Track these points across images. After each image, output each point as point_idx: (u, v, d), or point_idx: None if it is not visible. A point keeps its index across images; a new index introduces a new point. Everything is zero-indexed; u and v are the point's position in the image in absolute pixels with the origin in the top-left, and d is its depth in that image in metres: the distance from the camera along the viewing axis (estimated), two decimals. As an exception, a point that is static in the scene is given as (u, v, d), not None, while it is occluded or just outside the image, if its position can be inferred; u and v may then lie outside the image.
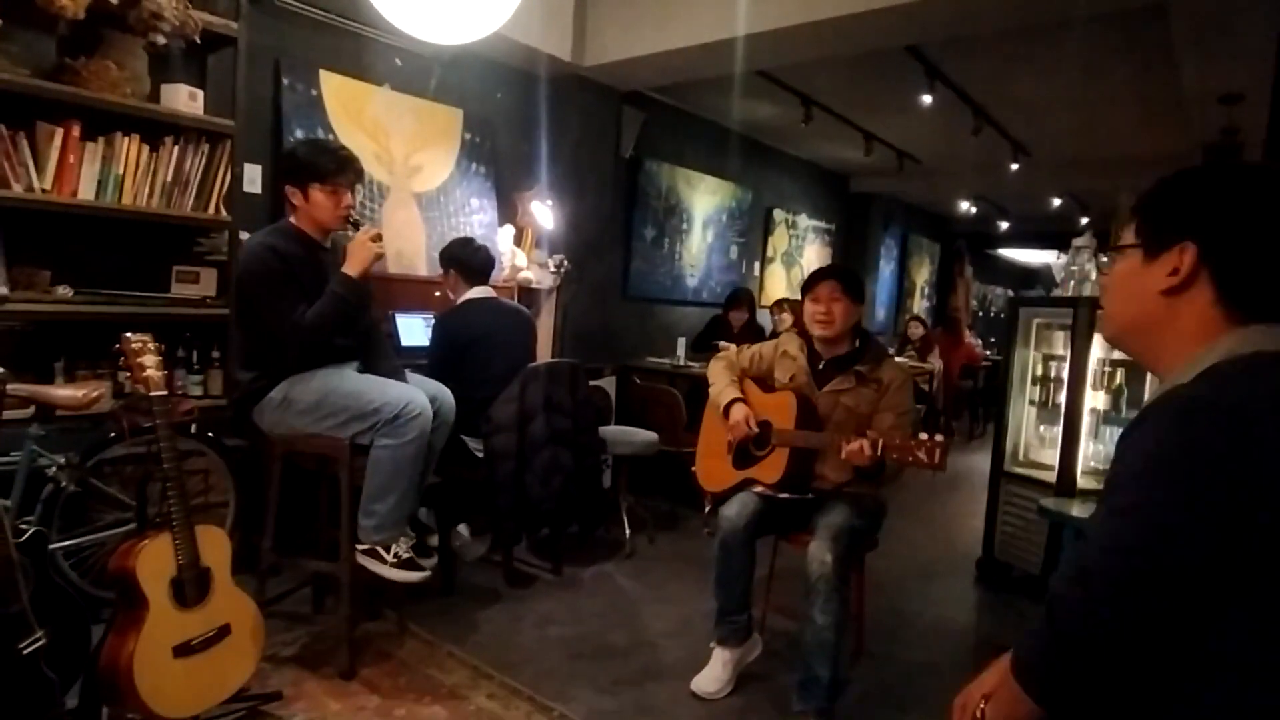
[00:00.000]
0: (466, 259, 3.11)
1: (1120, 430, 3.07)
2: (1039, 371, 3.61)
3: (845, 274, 2.34)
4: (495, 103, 4.24)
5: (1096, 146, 6.01)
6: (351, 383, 2.22)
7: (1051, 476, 3.34)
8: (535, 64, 4.17)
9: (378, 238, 2.29)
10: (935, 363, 7.05)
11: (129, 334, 1.84)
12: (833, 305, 2.29)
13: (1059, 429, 3.36)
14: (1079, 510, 2.93)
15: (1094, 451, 3.32)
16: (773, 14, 3.43)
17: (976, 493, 4.38)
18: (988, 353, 8.88)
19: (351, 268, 2.24)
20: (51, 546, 2.26)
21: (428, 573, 2.28)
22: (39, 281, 2.54)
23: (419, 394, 2.22)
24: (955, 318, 8.21)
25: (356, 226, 2.35)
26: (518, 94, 4.33)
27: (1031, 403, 3.66)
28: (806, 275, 2.41)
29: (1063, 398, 3.36)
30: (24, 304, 2.45)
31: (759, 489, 2.32)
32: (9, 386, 2.13)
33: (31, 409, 2.24)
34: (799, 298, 2.45)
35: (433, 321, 3.14)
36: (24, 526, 1.76)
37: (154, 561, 1.75)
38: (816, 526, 2.17)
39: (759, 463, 2.33)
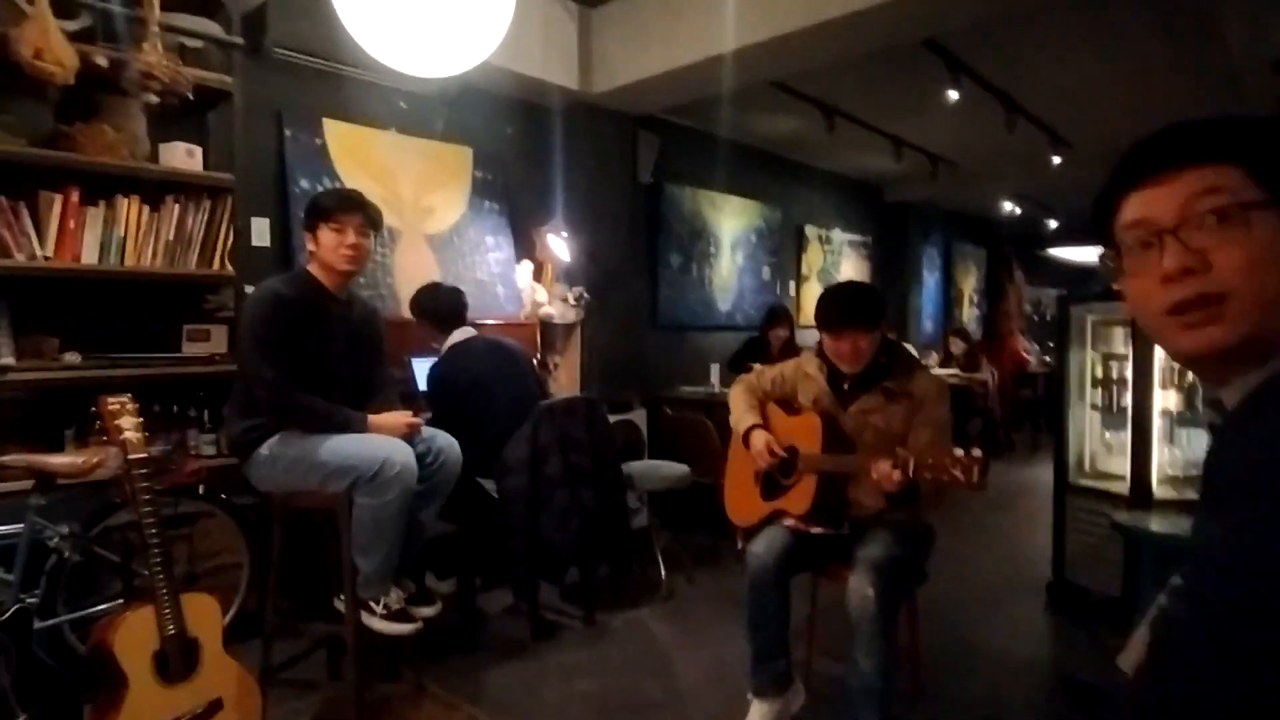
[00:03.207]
0: (434, 309, 3.03)
1: (1198, 428, 2.65)
2: (1099, 373, 3.32)
3: (865, 310, 2.08)
4: (506, 138, 4.20)
5: (1144, 129, 5.63)
6: (331, 439, 2.12)
7: (1123, 488, 3.04)
8: (543, 95, 4.13)
9: (417, 428, 2.28)
10: (988, 373, 6.70)
11: (106, 396, 1.77)
12: (858, 343, 2.07)
13: (1127, 434, 3.06)
14: (1158, 524, 2.64)
15: (1170, 458, 3.01)
16: (778, 19, 3.30)
17: (1041, 508, 4.04)
18: (1046, 358, 8.45)
19: (375, 424, 2.20)
20: (57, 620, 2.20)
21: (419, 624, 2.17)
22: (47, 349, 2.53)
23: (400, 451, 2.10)
24: (998, 323, 7.88)
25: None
26: (528, 127, 4.28)
27: (1094, 407, 3.36)
28: (822, 301, 2.17)
29: (1129, 400, 3.07)
30: (30, 372, 2.44)
31: (789, 521, 2.12)
32: (6, 459, 2.10)
33: (32, 480, 2.21)
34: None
35: (429, 376, 3.06)
36: (3, 604, 1.68)
37: (134, 636, 1.65)
38: (855, 560, 1.96)
39: (786, 492, 2.14)
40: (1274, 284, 0.65)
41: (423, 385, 3.35)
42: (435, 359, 3.05)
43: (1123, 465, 3.09)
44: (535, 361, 3.27)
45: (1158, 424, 2.98)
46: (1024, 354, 8.17)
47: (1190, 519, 0.73)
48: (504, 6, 2.35)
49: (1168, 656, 0.67)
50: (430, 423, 2.89)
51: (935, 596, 2.87)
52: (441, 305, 3.02)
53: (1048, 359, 8.27)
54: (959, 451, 1.64)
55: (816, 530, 2.08)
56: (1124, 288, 0.75)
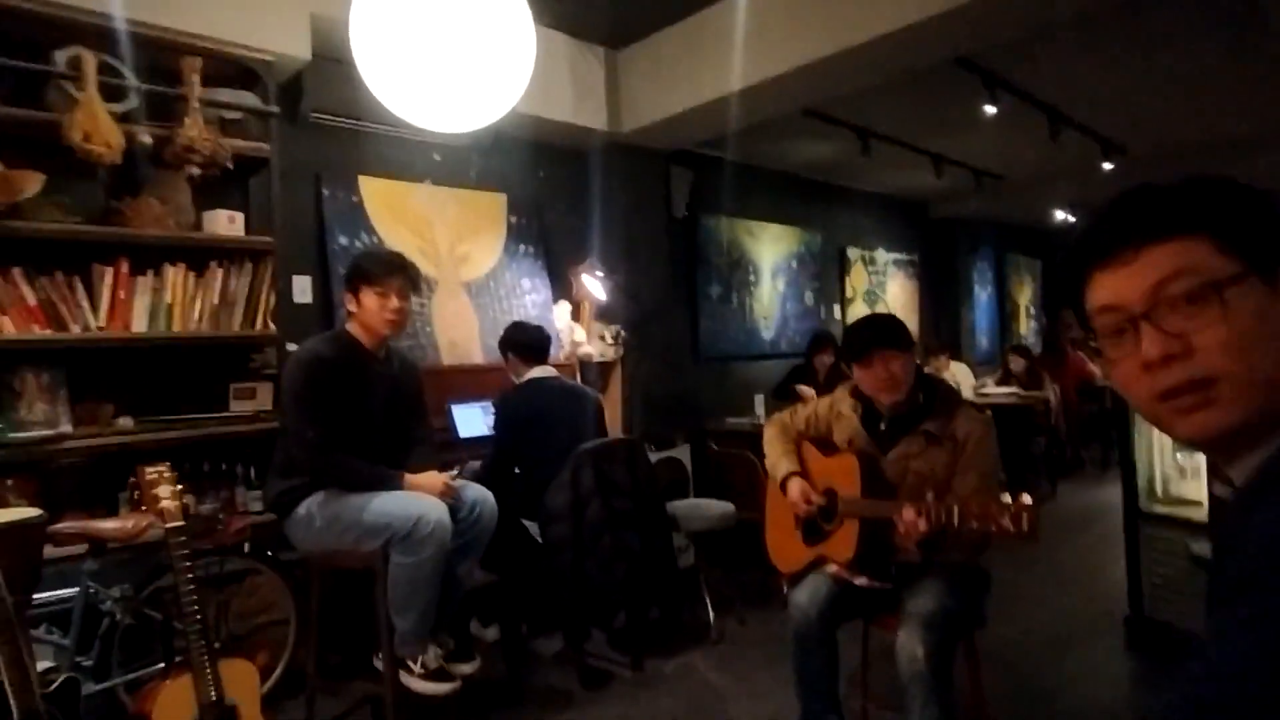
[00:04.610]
0: (521, 339, 3.11)
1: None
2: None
3: (890, 332, 2.02)
4: (539, 182, 4.24)
5: (1201, 130, 5.41)
6: (366, 498, 2.13)
7: (1201, 514, 2.84)
8: (574, 138, 4.17)
9: (452, 491, 2.27)
10: (1050, 391, 6.41)
11: (144, 466, 1.82)
12: (890, 367, 1.98)
13: (1202, 457, 2.87)
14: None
15: (1250, 480, 2.79)
16: (802, 48, 3.27)
17: (1115, 533, 3.80)
18: (1112, 370, 8.07)
19: (414, 480, 2.22)
20: (111, 682, 2.25)
21: (457, 683, 2.15)
22: (102, 415, 2.62)
23: (434, 508, 2.11)
24: (1059, 336, 7.56)
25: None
26: (561, 170, 4.32)
27: (1163, 428, 3.15)
28: (845, 336, 2.13)
29: (1200, 420, 2.87)
30: (87, 439, 2.53)
31: (833, 569, 2.03)
32: (60, 525, 2.17)
33: (85, 545, 2.27)
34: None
35: (496, 402, 3.11)
36: (53, 677, 1.72)
37: (172, 705, 1.66)
38: (904, 612, 1.86)
39: (829, 538, 2.05)
40: (1264, 359, 0.61)
41: (464, 433, 3.39)
42: (488, 402, 3.09)
43: (1198, 490, 2.89)
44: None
45: (1234, 445, 2.78)
46: (1088, 366, 7.82)
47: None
48: (524, 59, 2.38)
49: None
50: (488, 453, 2.92)
51: (1000, 638, 2.72)
52: (528, 338, 3.12)
53: (1114, 370, 7.88)
54: (1006, 498, 1.54)
55: (861, 581, 1.98)
56: (1108, 373, 0.71)
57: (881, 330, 2.02)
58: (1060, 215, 8.15)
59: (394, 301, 2.30)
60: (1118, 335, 0.68)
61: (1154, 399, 0.66)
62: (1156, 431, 3.17)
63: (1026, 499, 1.52)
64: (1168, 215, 0.66)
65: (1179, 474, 3.11)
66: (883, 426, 2.04)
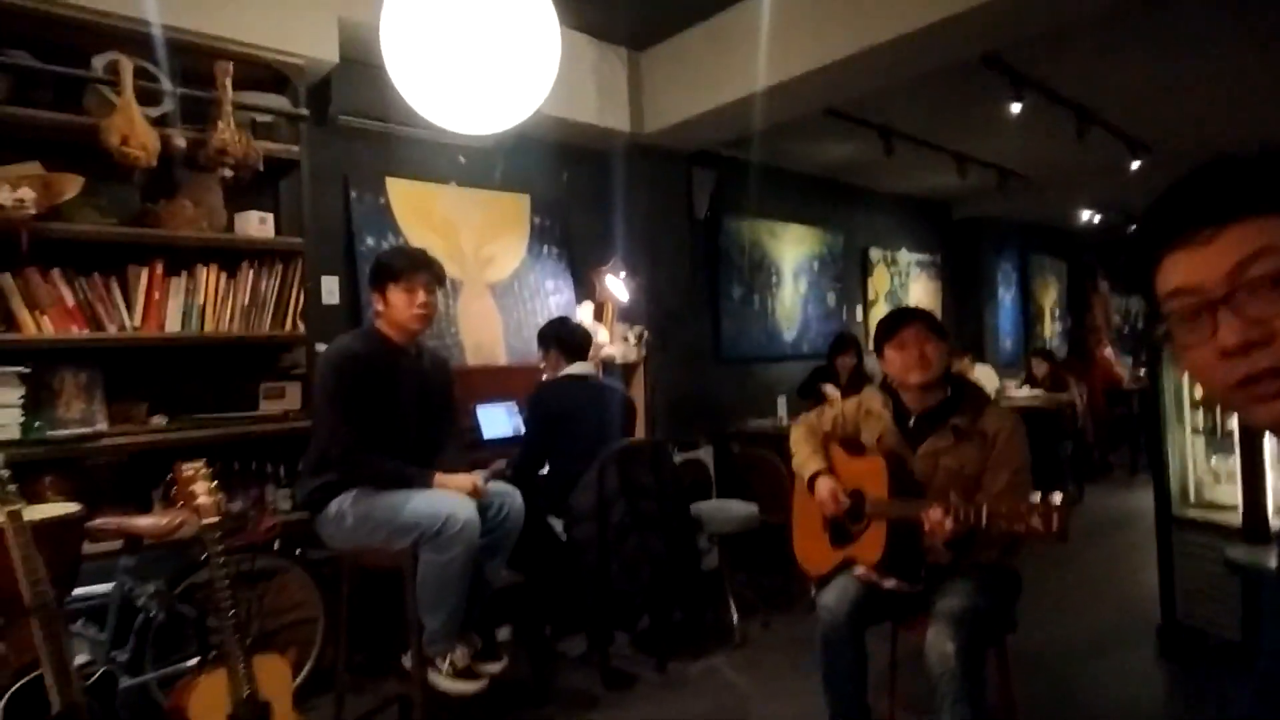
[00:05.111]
0: (565, 336, 3.15)
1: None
2: (1198, 394, 3.07)
3: (925, 313, 2.07)
4: (562, 184, 4.26)
5: (1230, 129, 5.31)
6: (392, 497, 2.15)
7: (1236, 519, 2.78)
8: (597, 139, 4.19)
9: (480, 494, 2.29)
10: (1076, 393, 6.32)
11: (181, 463, 1.84)
12: (924, 347, 2.00)
13: (1236, 460, 2.82)
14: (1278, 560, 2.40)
15: (1287, 484, 2.74)
16: (824, 48, 3.26)
17: (1145, 538, 3.74)
18: (1141, 372, 7.94)
19: (443, 479, 2.23)
20: (145, 677, 2.28)
21: (484, 682, 2.17)
22: (136, 414, 2.67)
23: (463, 507, 2.12)
24: (1085, 338, 7.45)
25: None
26: (584, 171, 4.34)
27: (1195, 431, 3.10)
28: (878, 324, 2.14)
29: (1234, 422, 2.83)
30: (122, 437, 2.57)
31: (860, 571, 2.01)
32: (97, 521, 2.21)
33: (121, 541, 2.31)
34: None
35: (530, 395, 3.15)
36: (90, 671, 1.75)
37: (208, 700, 1.69)
38: (933, 612, 1.84)
39: (857, 540, 2.03)
40: None
41: (488, 434, 3.41)
42: (514, 403, 3.13)
43: (1233, 494, 2.83)
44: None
45: (1270, 448, 2.73)
46: (1116, 369, 7.71)
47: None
48: (550, 61, 2.40)
49: None
50: (520, 448, 2.97)
51: (1031, 644, 2.68)
52: (571, 335, 3.15)
53: (1142, 373, 7.77)
54: (1036, 497, 1.52)
55: (890, 584, 1.97)
56: (1181, 359, 0.68)
57: (913, 310, 2.08)
58: (1086, 215, 8.06)
59: (421, 296, 2.31)
60: (1192, 320, 0.64)
61: (1231, 386, 0.63)
62: (1189, 435, 3.13)
63: (1056, 498, 1.51)
64: (1248, 191, 0.62)
65: (1213, 479, 3.05)
66: (911, 423, 2.03)
